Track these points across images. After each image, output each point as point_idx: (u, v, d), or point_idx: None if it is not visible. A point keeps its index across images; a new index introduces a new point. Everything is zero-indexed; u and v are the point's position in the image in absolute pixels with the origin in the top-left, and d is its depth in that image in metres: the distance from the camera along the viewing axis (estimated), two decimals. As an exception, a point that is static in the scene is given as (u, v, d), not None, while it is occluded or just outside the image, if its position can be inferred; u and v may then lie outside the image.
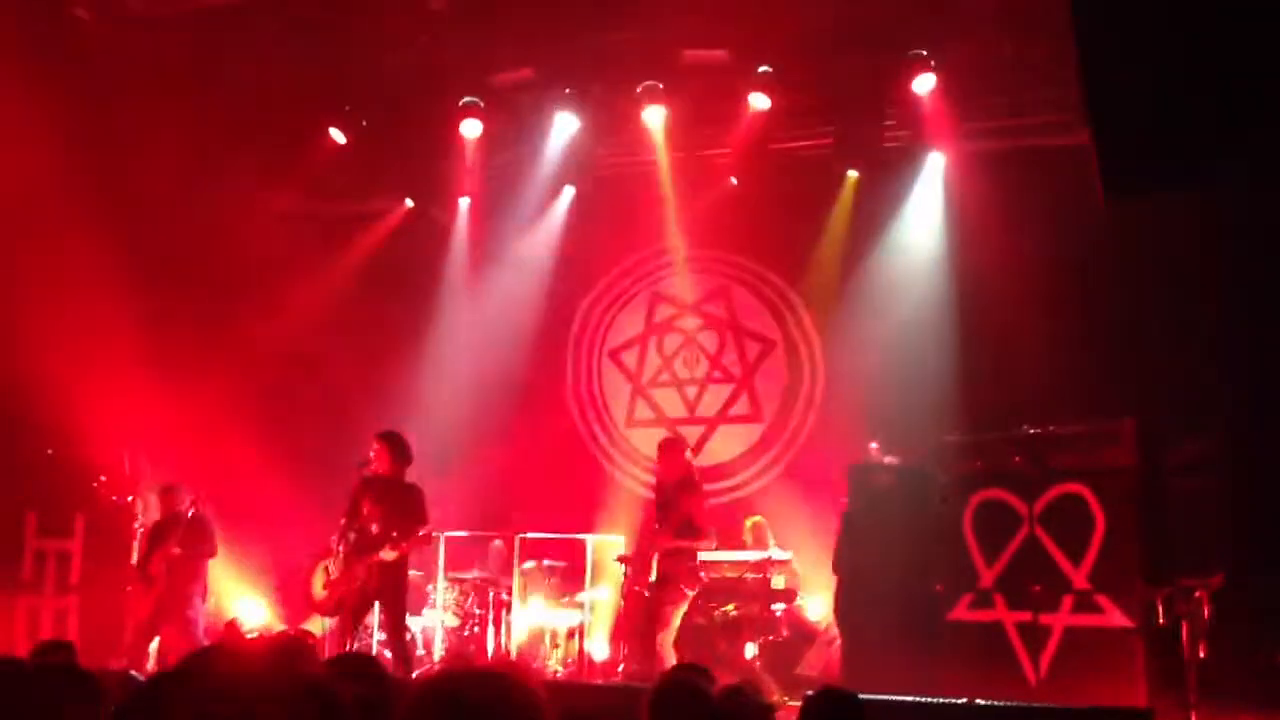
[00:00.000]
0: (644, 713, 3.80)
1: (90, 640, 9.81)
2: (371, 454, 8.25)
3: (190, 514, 9.29)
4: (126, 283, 10.67)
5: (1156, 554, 7.59)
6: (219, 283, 11.34)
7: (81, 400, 10.29)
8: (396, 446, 8.26)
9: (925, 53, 9.90)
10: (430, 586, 10.71)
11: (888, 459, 9.21)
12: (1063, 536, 7.79)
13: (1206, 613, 6.79)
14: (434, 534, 8.41)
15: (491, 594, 10.39)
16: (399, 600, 8.30)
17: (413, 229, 12.40)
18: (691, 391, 12.00)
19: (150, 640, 9.18)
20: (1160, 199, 7.54)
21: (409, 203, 12.39)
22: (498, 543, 10.87)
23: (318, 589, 8.58)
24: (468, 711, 1.65)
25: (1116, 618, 7.46)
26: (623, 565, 10.12)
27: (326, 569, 8.33)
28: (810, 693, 4.25)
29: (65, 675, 2.74)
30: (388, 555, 8.01)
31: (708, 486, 11.55)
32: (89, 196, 10.27)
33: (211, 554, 9.46)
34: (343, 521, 8.25)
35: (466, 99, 10.99)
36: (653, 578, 8.33)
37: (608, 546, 10.90)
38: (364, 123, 11.40)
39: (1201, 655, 6.77)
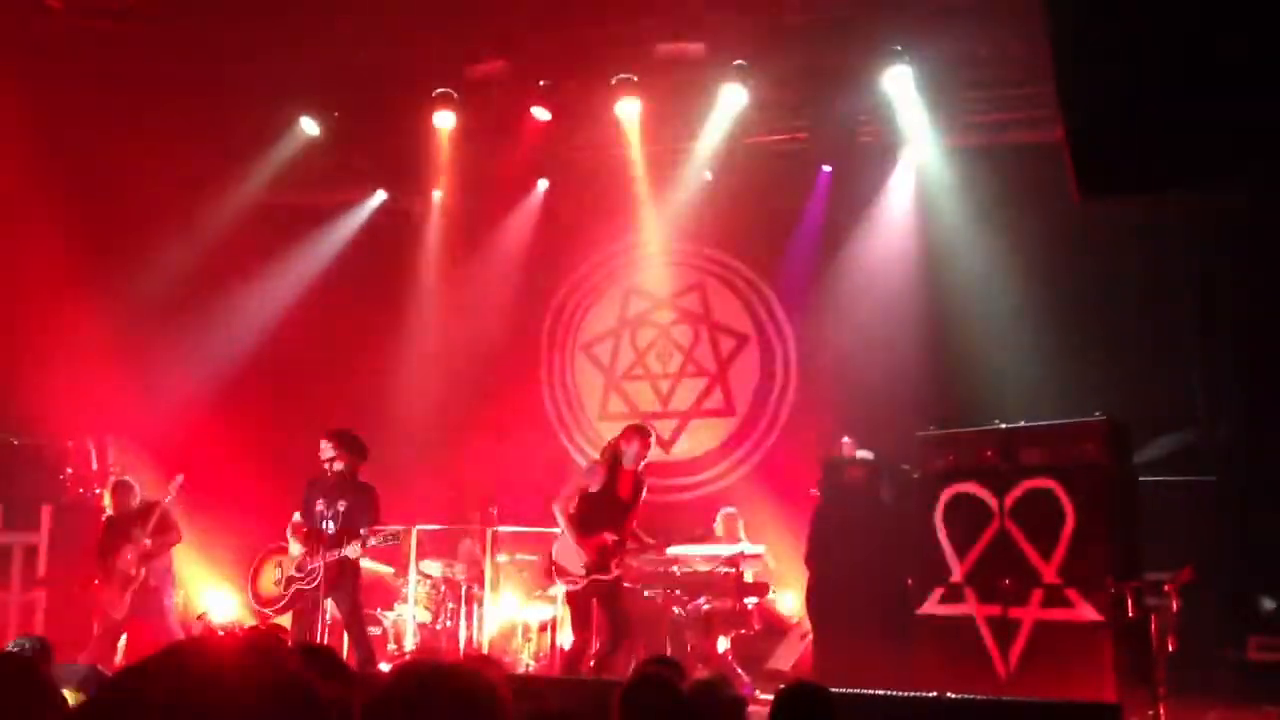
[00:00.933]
0: (615, 707, 3.79)
1: (57, 635, 9.72)
2: (323, 452, 8.20)
3: (165, 503, 9.17)
4: (94, 273, 10.58)
5: (1126, 549, 7.64)
6: (190, 273, 11.24)
7: (48, 391, 10.19)
8: (347, 443, 8.22)
9: (900, 48, 9.92)
10: (401, 580, 10.66)
11: (860, 454, 9.23)
12: (1033, 531, 7.82)
13: (1175, 606, 6.85)
14: (398, 535, 8.35)
15: (463, 588, 10.35)
16: (353, 596, 8.25)
17: (385, 220, 12.35)
18: (665, 385, 12.00)
19: (119, 636, 9.08)
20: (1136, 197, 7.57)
21: (381, 194, 12.33)
22: (467, 541, 10.83)
23: (266, 584, 8.53)
24: (429, 705, 1.64)
25: (1086, 612, 7.51)
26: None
27: (280, 564, 8.29)
28: (783, 686, 4.25)
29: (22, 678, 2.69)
30: (353, 551, 7.98)
31: (680, 481, 11.61)
32: (57, 187, 10.16)
33: (177, 540, 9.35)
34: (296, 518, 8.21)
35: (440, 90, 10.93)
36: (616, 572, 8.29)
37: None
38: (336, 114, 11.32)
39: (1170, 649, 6.83)
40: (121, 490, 9.39)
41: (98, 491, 10.11)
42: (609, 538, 8.09)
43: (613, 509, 8.17)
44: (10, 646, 5.06)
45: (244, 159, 11.33)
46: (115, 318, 10.72)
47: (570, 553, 7.99)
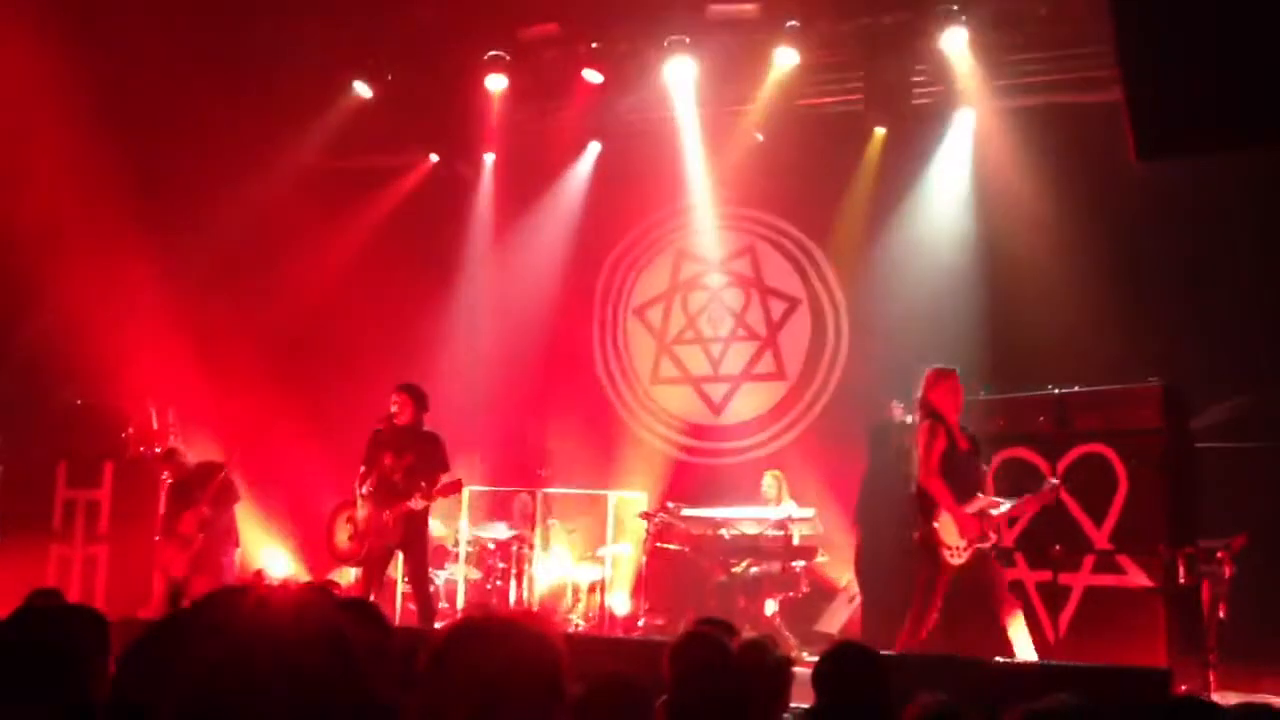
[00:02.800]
0: (665, 664, 3.84)
1: (118, 590, 9.99)
2: (394, 406, 8.29)
3: (225, 468, 9.40)
4: (154, 239, 10.75)
5: (1179, 515, 7.58)
6: (245, 237, 11.37)
7: (110, 352, 10.40)
8: (417, 397, 8.31)
9: (956, 7, 9.77)
10: (454, 540, 10.81)
11: (909, 418, 9.18)
12: (1086, 497, 7.79)
13: (1228, 573, 6.79)
14: (461, 483, 8.44)
15: (514, 548, 10.48)
16: (422, 550, 8.37)
17: (437, 184, 12.40)
18: (716, 349, 11.99)
19: (180, 593, 9.31)
20: (1196, 159, 7.44)
21: (433, 158, 12.38)
22: (521, 499, 10.95)
23: (341, 540, 8.67)
24: (490, 659, 1.67)
25: (1138, 578, 7.47)
26: (645, 520, 10.21)
27: (351, 520, 8.40)
28: (829, 647, 4.28)
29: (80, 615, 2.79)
30: (417, 504, 8.08)
31: (731, 444, 11.63)
32: (118, 153, 10.31)
33: (235, 502, 9.56)
34: (362, 471, 8.30)
35: (492, 53, 10.94)
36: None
37: (629, 503, 10.97)
38: (389, 77, 11.38)
39: (1221, 616, 6.77)
40: (173, 458, 9.65)
41: (158, 450, 10.32)
42: (981, 502, 7.22)
43: (968, 467, 7.29)
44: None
45: (298, 123, 11.42)
46: (173, 283, 10.91)
47: (949, 524, 7.11)
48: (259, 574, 9.24)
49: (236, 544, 9.59)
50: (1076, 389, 8.02)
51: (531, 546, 10.53)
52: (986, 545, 7.02)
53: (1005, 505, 7.17)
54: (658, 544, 10.09)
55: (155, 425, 10.86)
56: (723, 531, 9.88)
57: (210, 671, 1.24)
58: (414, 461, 8.16)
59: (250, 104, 10.92)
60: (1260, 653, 7.37)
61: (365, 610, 2.71)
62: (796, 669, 4.18)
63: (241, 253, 11.56)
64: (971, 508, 7.02)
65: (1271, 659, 7.43)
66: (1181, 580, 7.00)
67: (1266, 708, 2.89)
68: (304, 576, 10.34)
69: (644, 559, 10.19)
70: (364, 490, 8.26)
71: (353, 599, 3.65)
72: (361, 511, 8.25)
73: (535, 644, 1.70)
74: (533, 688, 1.67)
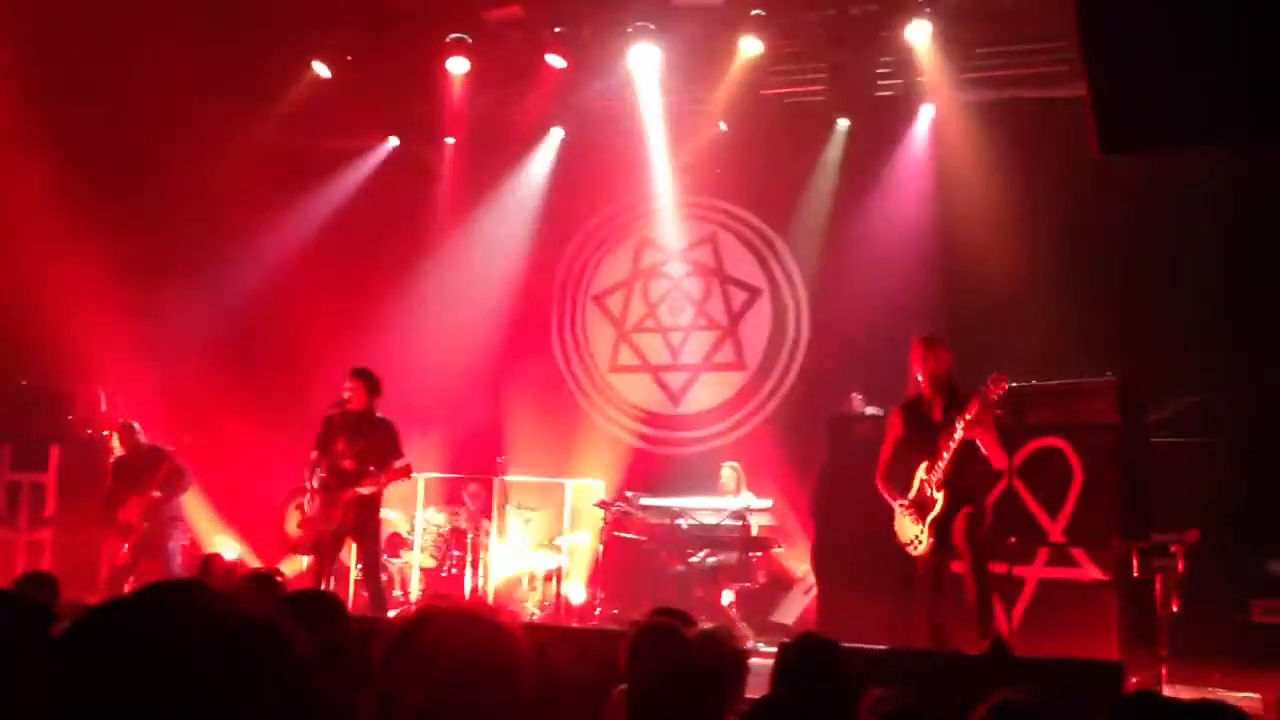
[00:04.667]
0: (622, 655, 3.80)
1: (64, 575, 9.78)
2: (347, 392, 8.17)
3: (173, 454, 9.26)
4: (103, 217, 10.53)
5: (1134, 509, 7.63)
6: (197, 217, 11.20)
7: (57, 334, 10.19)
8: (371, 382, 8.18)
9: (922, 0, 9.78)
10: (408, 528, 10.71)
11: (869, 410, 9.20)
12: (1041, 490, 7.82)
13: (1181, 568, 6.84)
14: (411, 468, 8.32)
15: (470, 536, 10.41)
16: (374, 537, 8.27)
17: (397, 167, 12.26)
18: (676, 338, 11.96)
19: (126, 579, 9.15)
20: (1154, 154, 7.48)
21: (394, 141, 12.24)
22: (473, 489, 10.88)
23: (292, 527, 8.58)
24: (447, 650, 1.62)
25: (1091, 571, 7.51)
26: (602, 509, 10.17)
27: (301, 507, 8.29)
28: (787, 640, 4.25)
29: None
30: (365, 490, 7.97)
31: (690, 434, 11.61)
32: (65, 130, 10.11)
33: (185, 489, 9.45)
34: (314, 457, 8.18)
35: (454, 36, 10.82)
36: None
37: (587, 491, 10.92)
38: (349, 58, 11.21)
39: (1174, 610, 6.82)
40: (128, 432, 9.49)
41: (105, 434, 10.14)
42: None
43: (931, 441, 6.93)
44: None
45: (255, 103, 11.24)
46: (124, 263, 10.69)
47: (900, 520, 6.99)
48: (214, 557, 9.05)
49: (186, 530, 9.45)
50: (1033, 383, 8.05)
51: (488, 534, 10.46)
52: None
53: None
54: (615, 533, 10.06)
55: (104, 408, 10.67)
56: (680, 521, 9.86)
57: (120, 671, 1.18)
58: (366, 447, 8.05)
59: (207, 81, 10.71)
60: (1211, 647, 7.44)
61: (318, 603, 2.64)
62: (753, 660, 4.15)
63: (195, 234, 11.39)
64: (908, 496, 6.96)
65: (1221, 653, 7.51)
66: (1135, 574, 7.04)
67: (1220, 705, 2.88)
68: (253, 563, 10.19)
69: (601, 548, 10.16)
70: (315, 477, 8.14)
71: (307, 591, 3.57)
72: (312, 499, 8.12)
73: (492, 634, 1.66)
74: (491, 679, 1.63)
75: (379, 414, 8.23)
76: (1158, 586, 6.89)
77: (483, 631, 1.65)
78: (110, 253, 10.58)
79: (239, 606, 1.23)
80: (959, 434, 6.62)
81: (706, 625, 4.58)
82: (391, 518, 10.44)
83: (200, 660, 1.17)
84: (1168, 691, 6.39)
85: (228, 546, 11.00)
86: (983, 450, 6.68)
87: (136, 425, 9.61)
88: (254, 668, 1.18)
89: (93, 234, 10.37)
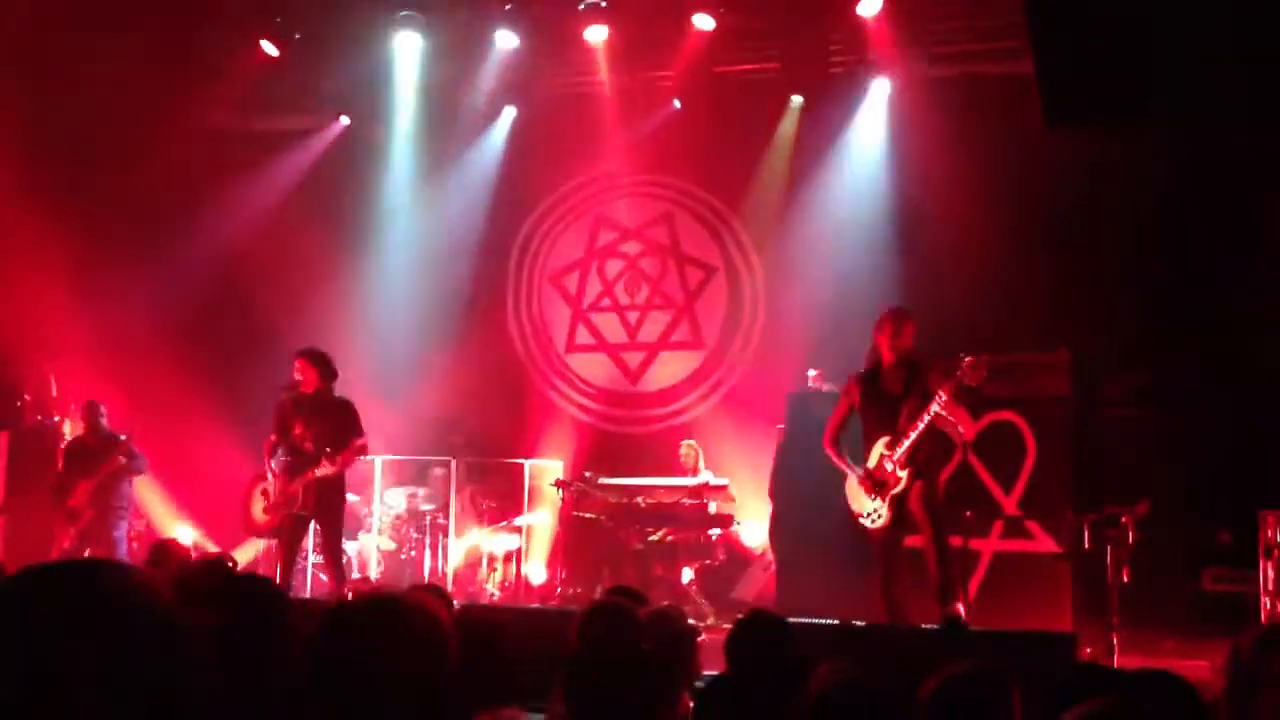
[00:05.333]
0: (572, 633, 3.79)
1: (16, 562, 9.66)
2: (297, 374, 8.07)
3: (122, 440, 9.14)
4: (48, 200, 10.34)
5: (1085, 482, 7.72)
6: (146, 200, 11.02)
7: (4, 318, 10.02)
8: (320, 362, 8.07)
9: (874, -25, 9.77)
10: (366, 510, 10.65)
11: (826, 387, 9.22)
12: (995, 464, 7.88)
13: (1131, 539, 6.92)
14: (367, 446, 8.25)
15: (429, 518, 10.37)
16: (336, 519, 8.19)
17: (347, 147, 12.09)
18: (633, 317, 11.93)
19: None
20: (1104, 130, 7.53)
21: (343, 120, 12.08)
22: (434, 471, 10.82)
23: (257, 512, 8.45)
24: (375, 638, 1.60)
25: (1045, 543, 7.60)
26: (560, 489, 10.15)
27: (265, 492, 8.18)
28: (739, 616, 4.27)
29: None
30: (324, 471, 7.89)
31: (648, 412, 11.60)
32: (8, 114, 9.91)
33: (138, 473, 9.33)
34: (272, 440, 8.09)
35: (403, 13, 10.69)
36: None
37: (545, 471, 10.90)
38: (297, 35, 11.04)
39: (1125, 580, 6.91)
40: (92, 412, 9.36)
41: (56, 419, 9.99)
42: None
43: (884, 416, 6.91)
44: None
45: (201, 82, 11.04)
46: (69, 245, 10.51)
47: (852, 489, 7.01)
48: (169, 543, 8.91)
49: (139, 516, 9.34)
50: (984, 356, 8.09)
51: (446, 515, 10.42)
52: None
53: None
54: (574, 513, 10.05)
55: (54, 393, 10.51)
56: (639, 500, 9.86)
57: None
58: (323, 428, 7.96)
59: (152, 61, 10.54)
60: (1161, 616, 7.56)
61: (254, 587, 2.59)
62: (710, 638, 4.16)
63: (145, 215, 11.21)
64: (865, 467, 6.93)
65: (1172, 622, 7.62)
66: (1086, 545, 7.12)
67: (1165, 674, 2.91)
68: (211, 548, 10.10)
69: (560, 528, 10.15)
70: (275, 460, 8.06)
71: (248, 576, 3.53)
72: (274, 482, 8.04)
73: (421, 621, 1.64)
74: (419, 665, 1.61)
75: (337, 395, 8.15)
76: (1109, 557, 6.97)
77: (410, 619, 1.63)
78: (59, 236, 10.40)
79: (143, 593, 1.20)
80: (930, 415, 6.56)
81: (659, 605, 4.60)
82: (351, 500, 10.36)
83: (82, 639, 1.15)
84: (1119, 661, 6.47)
85: (184, 533, 10.88)
86: (950, 427, 6.66)
87: (102, 408, 9.44)
88: (136, 654, 1.15)
89: (41, 217, 10.18)
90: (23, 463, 10.23)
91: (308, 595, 9.30)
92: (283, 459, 8.02)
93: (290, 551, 8.10)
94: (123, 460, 9.14)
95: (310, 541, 8.96)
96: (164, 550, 7.50)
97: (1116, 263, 9.36)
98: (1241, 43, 4.18)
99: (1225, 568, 8.03)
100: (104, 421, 9.37)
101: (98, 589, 1.19)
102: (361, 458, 8.29)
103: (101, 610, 1.17)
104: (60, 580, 1.22)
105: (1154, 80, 4.44)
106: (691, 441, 10.27)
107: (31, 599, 1.18)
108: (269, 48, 10.97)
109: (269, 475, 8.10)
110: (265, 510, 8.20)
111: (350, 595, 7.18)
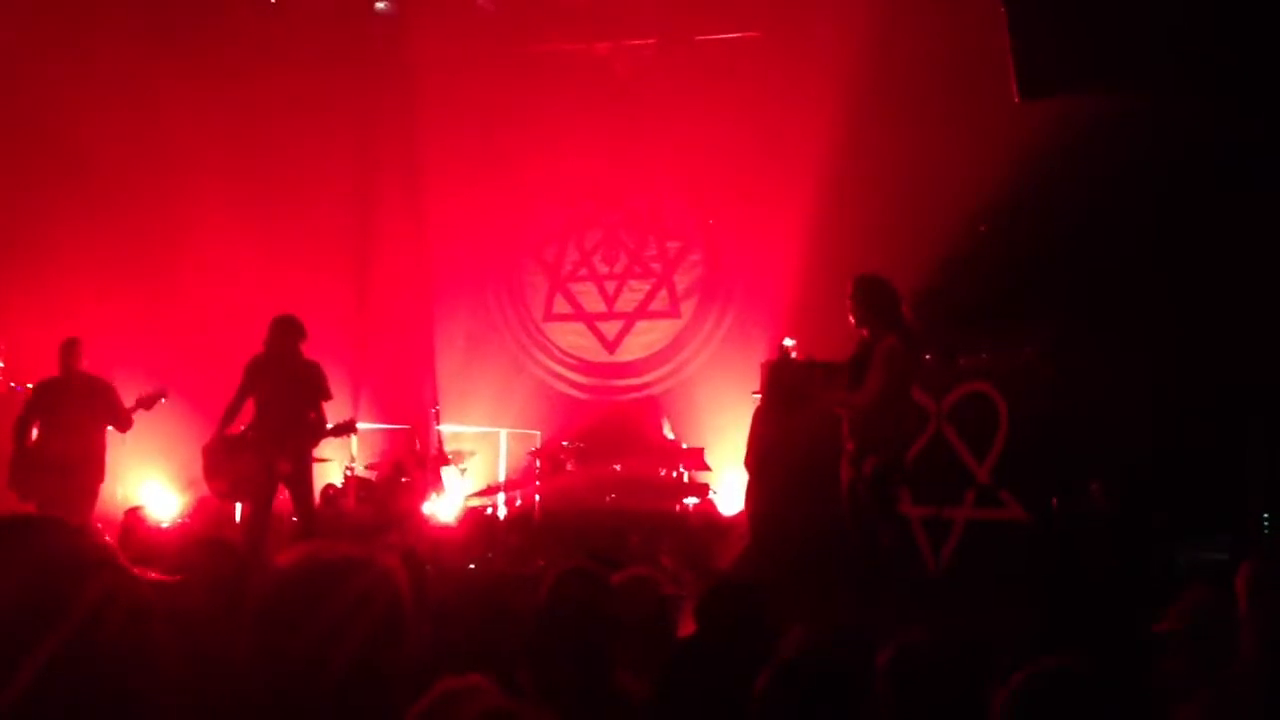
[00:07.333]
0: (540, 597, 3.81)
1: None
2: (270, 336, 8.03)
3: (99, 383, 8.62)
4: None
5: (1058, 452, 7.78)
6: (117, 152, 10.77)
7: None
8: (294, 327, 8.05)
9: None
10: (342, 479, 10.63)
11: (801, 356, 9.24)
12: (969, 434, 7.93)
13: (1101, 509, 7.00)
14: (355, 424, 8.23)
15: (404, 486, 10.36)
16: (308, 485, 8.17)
17: (324, 110, 11.95)
18: (610, 287, 11.92)
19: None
20: (1073, 102, 7.51)
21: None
22: (414, 443, 10.81)
23: (221, 475, 8.32)
24: (324, 596, 1.61)
25: (1015, 512, 7.67)
26: (537, 459, 10.17)
27: (230, 454, 8.09)
28: (712, 585, 4.30)
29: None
30: (305, 441, 7.90)
31: (625, 382, 11.61)
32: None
33: (124, 427, 8.58)
34: (238, 402, 8.02)
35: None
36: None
37: (522, 440, 10.91)
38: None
39: (1095, 552, 6.99)
40: (70, 350, 8.43)
41: (13, 386, 9.59)
42: None
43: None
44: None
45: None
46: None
47: None
48: (134, 511, 8.81)
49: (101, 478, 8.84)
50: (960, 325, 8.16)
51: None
52: None
53: None
54: (550, 482, 10.07)
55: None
56: (615, 468, 9.89)
57: None
58: (294, 392, 7.95)
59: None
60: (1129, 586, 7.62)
61: (213, 549, 2.61)
62: (686, 605, 4.19)
63: (116, 172, 10.98)
64: None
65: (1139, 592, 7.69)
66: (1057, 516, 7.19)
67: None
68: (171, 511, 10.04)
69: (537, 497, 10.17)
70: (246, 426, 8.02)
71: (211, 540, 3.53)
72: (240, 446, 7.99)
73: (371, 577, 1.65)
74: (371, 622, 1.62)
75: (306, 358, 8.12)
76: (1080, 528, 7.05)
77: (360, 576, 1.64)
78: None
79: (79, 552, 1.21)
80: None
81: (632, 571, 4.62)
82: (326, 468, 10.34)
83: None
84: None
85: (157, 495, 10.77)
86: None
87: (81, 345, 8.54)
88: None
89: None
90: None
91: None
92: (252, 421, 7.98)
93: (262, 515, 8.02)
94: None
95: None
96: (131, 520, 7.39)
97: (1081, 236, 9.36)
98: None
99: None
100: (81, 365, 8.51)
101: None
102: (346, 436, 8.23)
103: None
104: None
105: (1124, 55, 4.48)
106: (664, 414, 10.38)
107: None
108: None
109: (238, 438, 8.02)
110: (229, 474, 8.06)
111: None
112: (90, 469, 8.39)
